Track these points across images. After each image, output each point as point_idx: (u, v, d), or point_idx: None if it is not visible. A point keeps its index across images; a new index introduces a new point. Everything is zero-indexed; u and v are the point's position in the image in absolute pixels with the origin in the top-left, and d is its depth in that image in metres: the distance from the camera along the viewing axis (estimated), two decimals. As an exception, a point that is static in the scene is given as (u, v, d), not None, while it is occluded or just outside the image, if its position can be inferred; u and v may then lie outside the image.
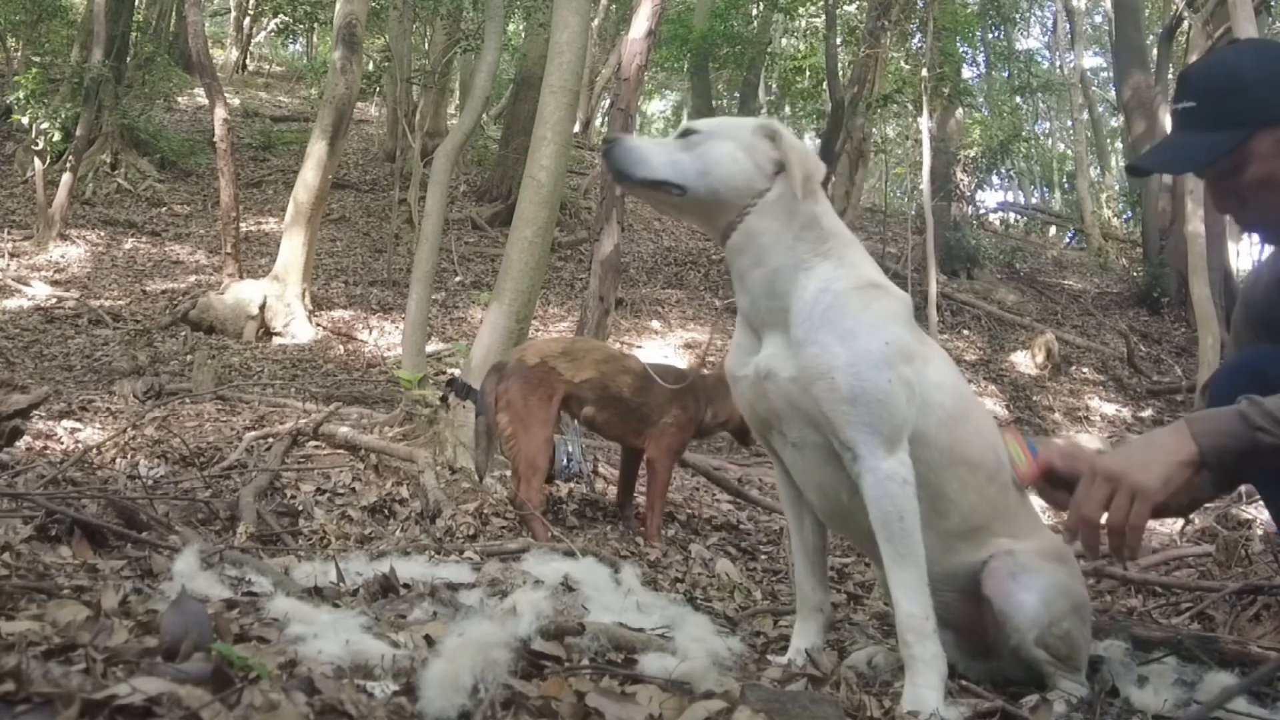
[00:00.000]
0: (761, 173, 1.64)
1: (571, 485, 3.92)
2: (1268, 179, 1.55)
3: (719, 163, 1.64)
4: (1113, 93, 19.93)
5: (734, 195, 1.64)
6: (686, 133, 1.69)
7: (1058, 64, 24.25)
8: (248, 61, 21.52)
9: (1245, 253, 13.11)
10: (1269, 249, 1.75)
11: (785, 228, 1.63)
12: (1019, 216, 21.88)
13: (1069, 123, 23.84)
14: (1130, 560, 2.01)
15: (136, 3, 13.88)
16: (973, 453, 1.66)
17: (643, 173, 1.65)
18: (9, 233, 10.49)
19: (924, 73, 11.03)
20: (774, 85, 17.86)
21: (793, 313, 1.60)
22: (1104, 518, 1.51)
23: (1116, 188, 21.64)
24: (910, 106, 12.19)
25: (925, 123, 11.12)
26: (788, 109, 17.81)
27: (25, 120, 11.55)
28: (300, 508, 3.08)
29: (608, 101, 13.46)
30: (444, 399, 3.97)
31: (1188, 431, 1.47)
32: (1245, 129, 1.53)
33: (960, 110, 14.44)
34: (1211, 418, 1.48)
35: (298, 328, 8.83)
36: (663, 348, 10.15)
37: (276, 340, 8.67)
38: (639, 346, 10.00)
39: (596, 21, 17.24)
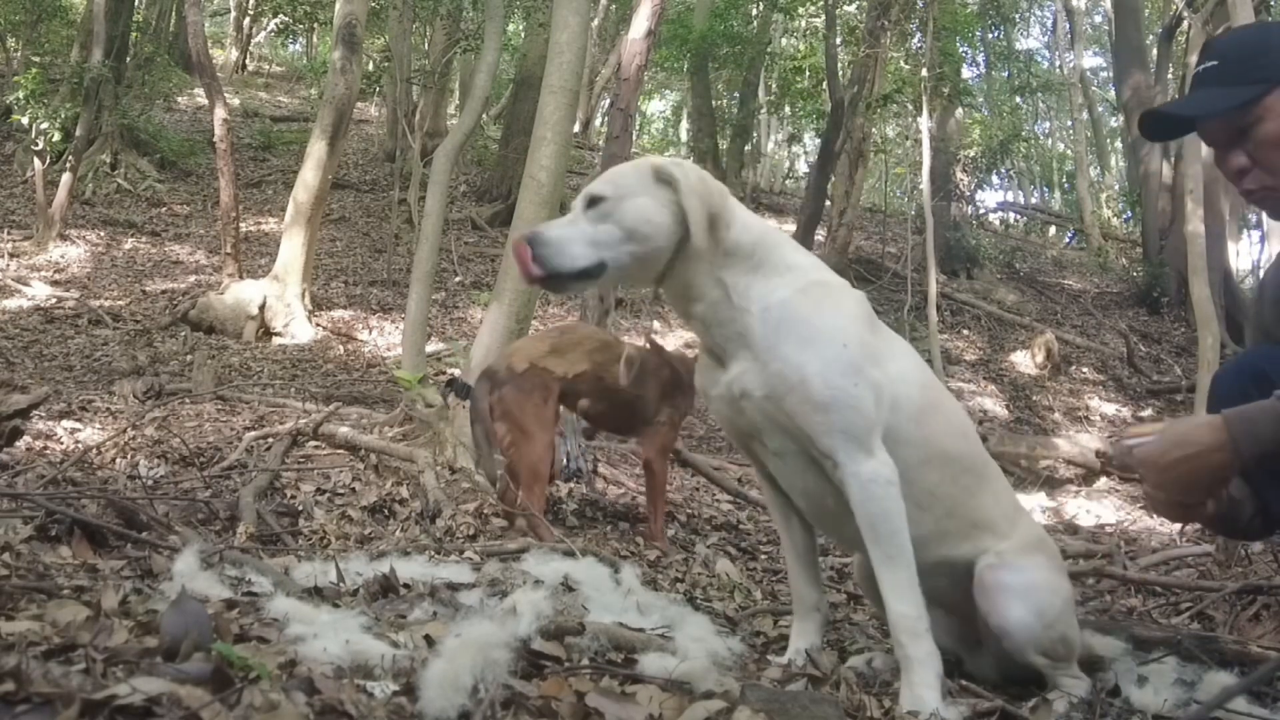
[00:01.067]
0: (676, 219, 1.58)
1: (571, 485, 3.91)
2: None
3: (637, 227, 1.57)
4: (1113, 93, 19.91)
5: (657, 253, 1.59)
6: (593, 200, 1.59)
7: (1058, 64, 24.25)
8: (248, 61, 21.52)
9: (1245, 253, 13.11)
10: (1271, 251, 1.75)
11: (711, 262, 1.60)
12: (1019, 216, 21.86)
13: (1069, 123, 23.84)
14: None
15: (136, 3, 13.87)
16: (947, 443, 1.67)
17: (569, 266, 1.56)
18: (9, 233, 10.48)
19: (924, 73, 11.03)
20: (774, 85, 17.81)
21: (746, 333, 1.59)
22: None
23: (1116, 188, 21.64)
24: (910, 106, 12.20)
25: (925, 123, 11.12)
26: (788, 109, 17.78)
27: (25, 120, 11.54)
28: (300, 508, 3.08)
29: (608, 101, 13.45)
30: (444, 399, 3.96)
31: (1231, 449, 1.46)
32: (1264, 85, 1.54)
33: (960, 110, 14.43)
34: (1253, 423, 1.46)
35: (298, 328, 8.83)
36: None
37: (276, 340, 8.67)
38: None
39: (596, 21, 17.25)
